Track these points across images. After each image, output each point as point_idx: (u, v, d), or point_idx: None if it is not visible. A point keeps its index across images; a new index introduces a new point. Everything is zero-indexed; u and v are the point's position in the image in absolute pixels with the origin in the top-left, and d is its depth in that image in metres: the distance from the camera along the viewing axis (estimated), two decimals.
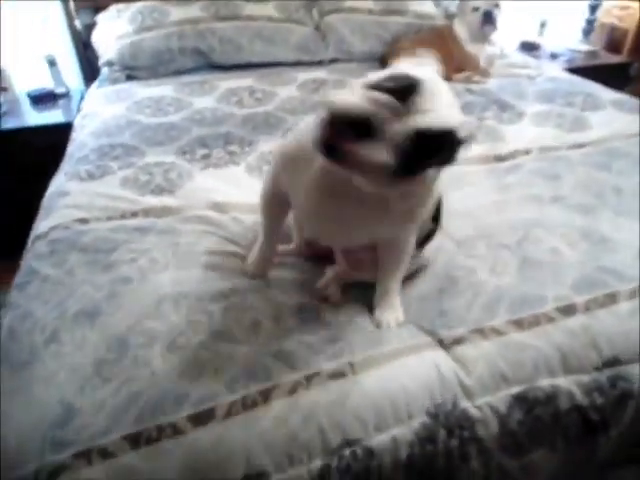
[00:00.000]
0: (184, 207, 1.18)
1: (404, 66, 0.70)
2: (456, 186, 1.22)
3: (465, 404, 0.77)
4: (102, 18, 2.12)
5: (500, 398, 0.78)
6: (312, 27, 2.22)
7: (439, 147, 0.63)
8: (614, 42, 2.82)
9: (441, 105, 0.63)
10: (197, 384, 0.75)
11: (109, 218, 1.14)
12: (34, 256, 1.05)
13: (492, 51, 2.18)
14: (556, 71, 2.19)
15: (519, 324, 0.87)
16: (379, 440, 0.73)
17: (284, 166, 0.86)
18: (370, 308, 0.91)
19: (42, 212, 1.22)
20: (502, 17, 2.12)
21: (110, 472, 0.66)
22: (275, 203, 0.92)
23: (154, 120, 1.65)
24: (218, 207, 1.19)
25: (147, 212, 1.16)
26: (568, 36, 2.76)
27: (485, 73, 2.09)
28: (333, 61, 2.22)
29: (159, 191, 1.24)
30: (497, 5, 2.09)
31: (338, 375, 0.77)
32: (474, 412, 0.77)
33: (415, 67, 0.69)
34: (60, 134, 1.72)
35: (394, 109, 0.60)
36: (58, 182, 1.33)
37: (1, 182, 1.91)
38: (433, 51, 2.14)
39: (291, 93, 1.88)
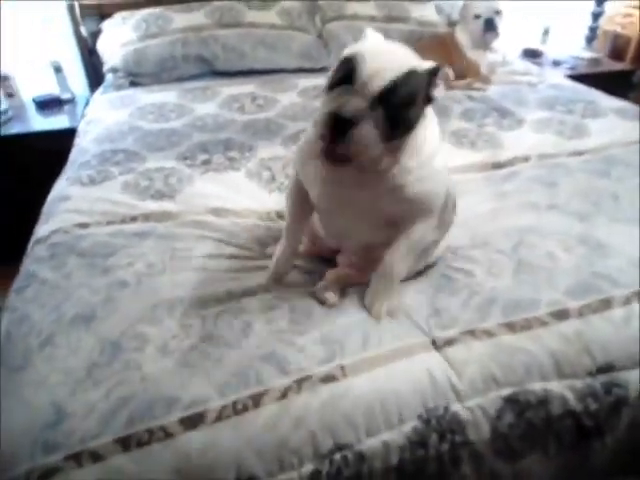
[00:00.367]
0: (183, 212, 1.19)
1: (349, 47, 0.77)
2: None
3: (456, 407, 0.77)
4: (107, 25, 2.15)
5: (491, 399, 0.78)
6: (314, 34, 2.24)
7: (408, 91, 0.71)
8: (617, 49, 2.82)
9: (389, 59, 0.71)
10: (188, 388, 0.75)
11: (109, 223, 1.15)
12: (33, 260, 1.06)
13: (494, 58, 2.18)
14: (558, 78, 2.19)
15: (511, 327, 0.87)
16: (370, 444, 0.73)
17: (301, 164, 0.89)
18: (365, 310, 0.91)
19: (43, 216, 1.24)
20: (504, 24, 2.13)
21: (101, 475, 0.66)
22: (298, 203, 0.95)
23: (156, 126, 1.67)
24: (217, 212, 1.20)
25: (147, 217, 1.17)
26: (571, 43, 2.76)
27: (486, 80, 2.10)
28: None
29: (159, 196, 1.25)
30: (499, 12, 2.10)
31: (329, 379, 0.77)
32: (465, 414, 0.76)
33: (358, 43, 0.78)
34: (65, 139, 1.73)
35: (350, 92, 0.69)
36: (60, 187, 1.35)
37: (5, 186, 1.93)
38: (434, 58, 2.16)
39: (292, 100, 1.90)
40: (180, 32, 2.07)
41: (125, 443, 0.69)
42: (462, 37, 2.16)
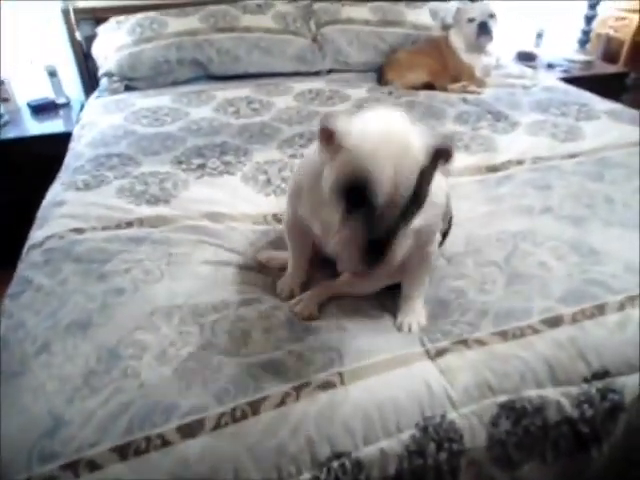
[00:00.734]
0: (179, 217, 1.19)
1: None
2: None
3: (452, 415, 0.77)
4: (102, 30, 2.15)
5: (486, 406, 0.78)
6: (309, 38, 2.25)
7: (423, 189, 0.69)
8: (610, 52, 2.85)
9: (398, 166, 0.65)
10: (186, 395, 0.75)
11: (104, 228, 1.14)
12: (28, 265, 1.05)
13: (488, 61, 2.20)
14: (552, 81, 2.21)
15: (503, 335, 0.87)
16: (368, 452, 0.73)
17: (298, 198, 0.90)
18: (362, 319, 0.92)
19: (38, 221, 1.23)
20: (499, 28, 2.14)
21: None
22: (297, 231, 0.97)
23: (151, 130, 1.67)
24: (213, 217, 1.20)
25: (142, 222, 1.16)
26: (565, 46, 2.78)
27: (481, 83, 2.11)
28: (330, 72, 2.25)
29: (154, 201, 1.25)
30: (493, 16, 2.12)
31: (327, 386, 0.77)
32: (461, 422, 0.76)
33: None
34: (60, 144, 1.73)
35: (372, 218, 0.67)
36: (54, 192, 1.34)
37: (0, 190, 1.92)
38: (429, 62, 2.17)
39: (288, 103, 1.90)
40: (175, 36, 2.07)
41: (123, 452, 0.68)
42: (456, 40, 2.18)
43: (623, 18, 2.78)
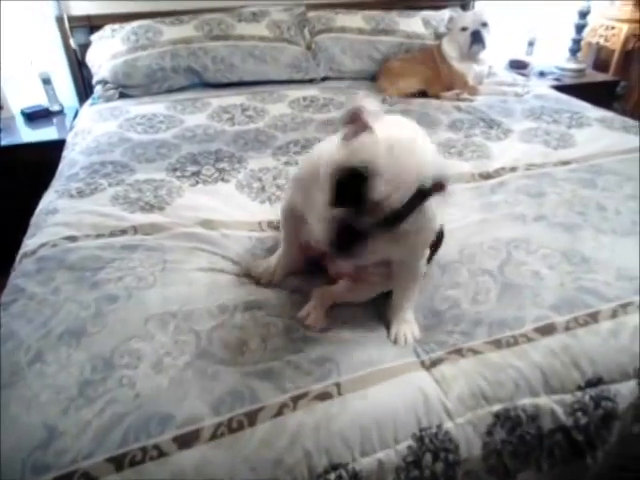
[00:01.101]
0: (173, 224, 1.18)
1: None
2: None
3: (448, 425, 0.77)
4: (97, 37, 2.15)
5: (481, 416, 0.78)
6: (303, 46, 2.26)
7: (414, 207, 0.71)
8: (601, 61, 2.89)
9: (402, 171, 0.67)
10: (182, 405, 0.75)
11: (98, 236, 1.14)
12: (21, 274, 1.04)
13: (480, 69, 2.22)
14: (543, 89, 2.23)
15: (496, 344, 0.87)
16: (365, 464, 0.72)
17: (299, 189, 0.92)
18: (358, 329, 0.91)
19: (31, 229, 1.22)
20: (491, 36, 2.17)
21: None
22: (291, 219, 1.00)
23: (145, 137, 1.66)
24: (207, 224, 1.20)
25: (136, 229, 1.16)
26: (556, 55, 2.81)
27: (473, 91, 2.13)
28: (324, 79, 2.26)
29: (149, 208, 1.25)
30: (485, 25, 2.14)
31: (324, 396, 0.77)
32: (457, 432, 0.76)
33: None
34: (54, 151, 1.72)
35: (362, 209, 0.68)
36: (48, 199, 1.33)
37: None
38: (422, 70, 2.19)
39: (282, 111, 1.91)
40: (170, 44, 2.07)
41: (118, 463, 0.68)
42: (449, 49, 2.20)
43: (612, 27, 2.82)
